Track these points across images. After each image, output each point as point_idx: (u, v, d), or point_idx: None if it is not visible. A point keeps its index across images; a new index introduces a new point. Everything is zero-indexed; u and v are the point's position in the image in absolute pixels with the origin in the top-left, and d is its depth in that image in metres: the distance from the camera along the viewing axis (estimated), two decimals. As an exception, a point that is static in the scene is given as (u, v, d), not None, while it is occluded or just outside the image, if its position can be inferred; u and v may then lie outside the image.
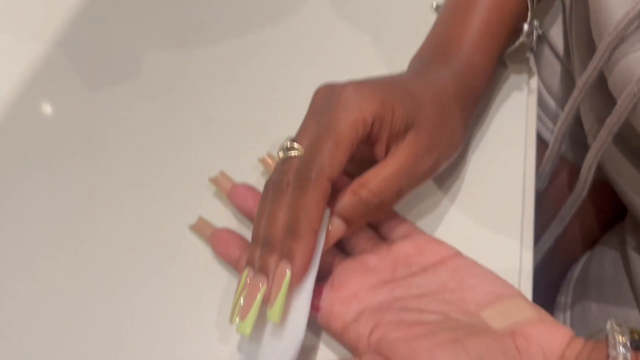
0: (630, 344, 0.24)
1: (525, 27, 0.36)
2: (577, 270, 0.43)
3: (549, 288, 0.46)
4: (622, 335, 0.24)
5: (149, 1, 0.45)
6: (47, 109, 0.40)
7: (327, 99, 0.29)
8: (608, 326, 0.25)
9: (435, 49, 0.34)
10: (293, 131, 0.31)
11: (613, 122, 0.30)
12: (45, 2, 0.45)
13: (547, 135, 0.44)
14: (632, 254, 0.37)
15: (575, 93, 0.32)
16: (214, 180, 0.34)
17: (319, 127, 0.28)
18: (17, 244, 0.33)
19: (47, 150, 0.37)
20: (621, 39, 0.29)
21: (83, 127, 0.38)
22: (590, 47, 0.31)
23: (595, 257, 0.42)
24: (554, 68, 0.43)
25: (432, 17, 0.39)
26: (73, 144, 0.37)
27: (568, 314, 0.41)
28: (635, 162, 0.34)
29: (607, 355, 0.24)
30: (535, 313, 0.26)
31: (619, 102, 0.29)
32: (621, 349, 0.24)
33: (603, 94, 0.32)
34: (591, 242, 0.45)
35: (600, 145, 0.31)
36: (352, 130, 0.27)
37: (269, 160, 0.35)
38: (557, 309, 0.43)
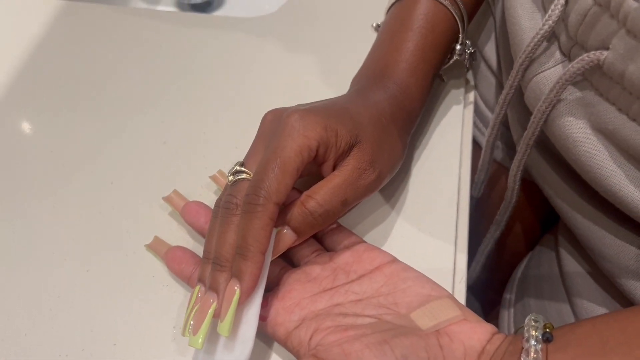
0: (542, 336, 0.27)
1: (458, 47, 0.38)
2: (520, 269, 0.46)
3: (499, 286, 0.49)
4: (535, 330, 0.27)
5: (112, 31, 0.47)
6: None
7: (274, 124, 0.31)
8: (526, 321, 0.28)
9: (373, 73, 0.36)
10: (242, 150, 0.33)
11: (528, 135, 0.32)
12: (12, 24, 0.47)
13: (485, 144, 0.47)
14: (564, 254, 0.40)
15: (497, 108, 0.35)
16: (167, 199, 0.36)
17: (267, 153, 0.29)
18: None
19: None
20: (531, 60, 0.31)
21: (42, 141, 0.40)
22: (512, 64, 0.34)
23: (534, 257, 0.45)
24: (490, 81, 0.46)
25: (373, 35, 0.42)
26: (28, 159, 0.39)
27: (512, 310, 0.44)
28: (557, 168, 0.36)
29: (522, 348, 0.26)
30: (460, 313, 0.28)
31: (532, 118, 0.31)
32: (533, 342, 0.26)
33: (525, 105, 0.35)
34: (534, 241, 0.47)
35: (521, 156, 0.34)
36: (297, 157, 0.29)
37: (220, 178, 0.37)
38: (502, 306, 0.46)
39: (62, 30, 0.47)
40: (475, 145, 0.47)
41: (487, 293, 0.50)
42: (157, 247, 0.34)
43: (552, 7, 0.29)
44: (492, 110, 0.46)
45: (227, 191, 0.31)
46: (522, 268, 0.46)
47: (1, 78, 0.44)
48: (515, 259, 0.48)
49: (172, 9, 0.71)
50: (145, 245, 0.35)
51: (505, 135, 0.45)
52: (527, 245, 0.49)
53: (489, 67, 0.45)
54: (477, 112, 0.47)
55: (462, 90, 0.43)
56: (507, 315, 0.44)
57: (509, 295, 0.45)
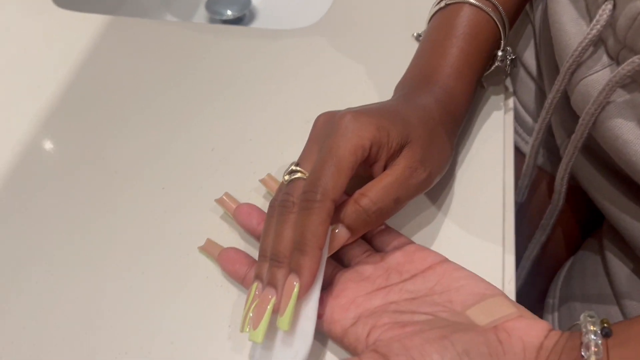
0: (601, 331, 0.27)
1: (499, 53, 0.39)
2: (562, 274, 0.46)
3: (539, 292, 0.49)
4: (594, 325, 0.27)
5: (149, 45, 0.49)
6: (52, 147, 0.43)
7: (327, 126, 0.32)
8: (582, 318, 0.28)
9: (419, 78, 0.37)
10: (290, 156, 0.34)
11: (577, 138, 0.33)
12: (47, 58, 0.49)
13: (527, 150, 0.48)
14: (610, 256, 0.40)
15: (543, 113, 0.36)
16: (220, 201, 0.37)
17: (322, 152, 0.30)
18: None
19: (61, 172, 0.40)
20: (578, 64, 0.32)
21: (95, 151, 0.41)
22: (556, 70, 0.35)
23: (577, 261, 0.45)
24: (529, 87, 0.46)
25: (413, 45, 0.43)
26: (84, 169, 0.41)
27: (556, 314, 0.44)
28: (603, 170, 0.37)
29: (581, 343, 0.26)
30: (516, 310, 0.29)
31: (580, 120, 0.32)
32: (592, 337, 0.26)
33: (570, 110, 0.35)
34: (575, 247, 0.47)
35: (568, 159, 0.35)
36: (352, 155, 0.30)
37: (270, 182, 0.38)
38: (545, 311, 0.46)
39: (104, 44, 0.49)
40: (515, 150, 0.47)
41: (528, 300, 0.50)
42: (210, 249, 0.35)
43: (600, 12, 0.30)
44: (532, 115, 0.47)
45: (283, 190, 0.32)
46: (565, 272, 0.46)
47: (52, 89, 0.46)
48: (557, 265, 0.48)
49: (202, 23, 0.74)
50: (199, 247, 0.36)
51: (546, 141, 0.46)
52: (567, 251, 0.49)
53: (529, 73, 0.46)
54: (516, 118, 0.47)
55: (502, 96, 0.44)
56: (552, 319, 0.44)
57: (552, 300, 0.45)
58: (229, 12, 0.73)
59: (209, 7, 0.73)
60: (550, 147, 0.47)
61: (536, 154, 0.40)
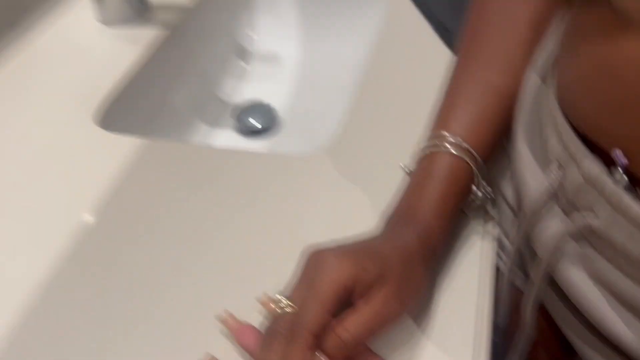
0: None
1: (479, 194, 0.44)
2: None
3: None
4: None
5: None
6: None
7: (314, 264, 0.37)
8: None
9: (400, 217, 0.42)
10: (283, 277, 0.38)
11: (537, 277, 0.37)
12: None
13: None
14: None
15: (509, 254, 0.40)
16: (221, 319, 0.41)
17: (308, 290, 0.35)
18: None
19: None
20: (536, 216, 0.36)
21: (98, 265, 0.46)
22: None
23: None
24: (507, 215, 0.50)
25: (399, 174, 0.47)
26: (92, 279, 0.45)
27: None
28: (568, 304, 0.40)
29: None
30: None
31: (537, 267, 0.35)
32: None
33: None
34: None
35: (532, 296, 0.38)
36: (334, 294, 0.35)
37: (268, 303, 0.42)
38: None
39: (135, 167, 0.55)
40: (500, 273, 0.50)
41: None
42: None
43: (550, 173, 0.35)
44: (511, 241, 0.50)
45: (274, 321, 0.36)
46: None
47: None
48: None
49: (230, 132, 0.80)
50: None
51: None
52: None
53: (507, 202, 0.50)
54: (500, 244, 0.51)
55: (481, 221, 0.48)
56: None
57: None
58: (256, 123, 0.79)
59: (237, 117, 0.80)
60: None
61: (508, 286, 0.43)
